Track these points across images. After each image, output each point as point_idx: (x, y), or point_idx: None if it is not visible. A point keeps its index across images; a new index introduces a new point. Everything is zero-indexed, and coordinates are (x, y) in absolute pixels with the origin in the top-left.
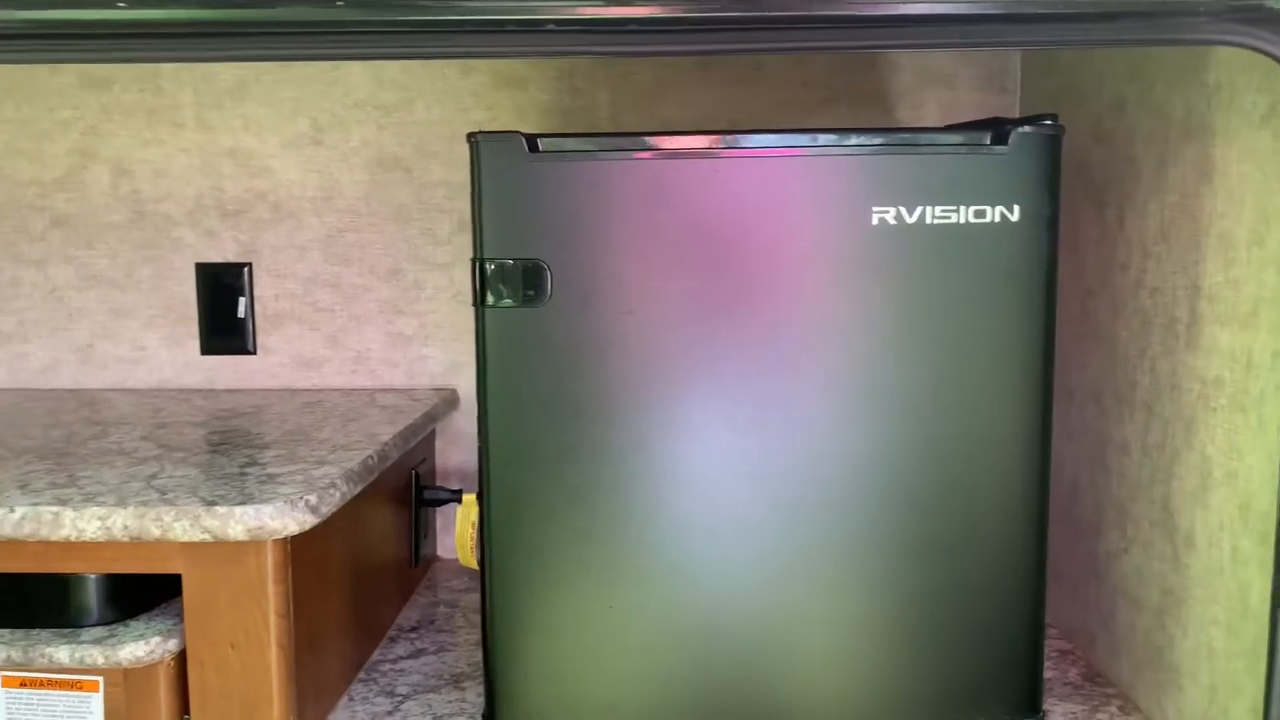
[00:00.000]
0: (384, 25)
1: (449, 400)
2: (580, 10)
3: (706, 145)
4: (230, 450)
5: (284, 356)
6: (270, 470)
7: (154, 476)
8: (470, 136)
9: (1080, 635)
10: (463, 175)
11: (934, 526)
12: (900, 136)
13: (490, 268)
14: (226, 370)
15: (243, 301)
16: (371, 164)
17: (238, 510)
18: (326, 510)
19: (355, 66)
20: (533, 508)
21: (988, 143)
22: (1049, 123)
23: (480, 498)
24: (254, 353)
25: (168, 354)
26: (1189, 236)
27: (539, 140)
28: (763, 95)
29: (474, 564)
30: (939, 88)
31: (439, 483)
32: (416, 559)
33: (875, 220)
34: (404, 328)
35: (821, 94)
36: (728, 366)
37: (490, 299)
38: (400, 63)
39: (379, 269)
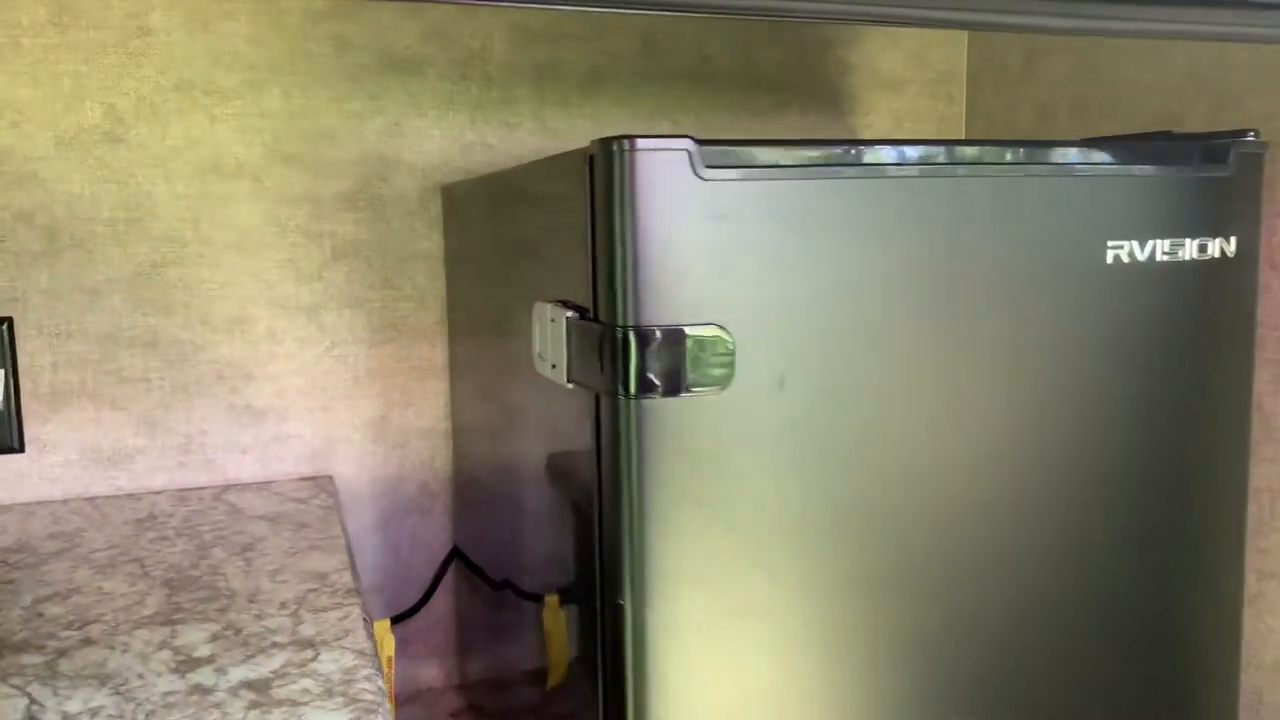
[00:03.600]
0: None
1: (330, 492)
2: None
3: (939, 159)
4: (114, 634)
5: (70, 451)
6: (238, 674)
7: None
8: (607, 144)
9: None
10: (338, 187)
11: (1151, 563)
12: (1122, 150)
13: (639, 341)
14: None
15: None
16: (203, 170)
17: None
18: None
19: (177, 30)
20: (700, 683)
21: (1199, 161)
22: (1252, 137)
23: (604, 669)
24: (19, 449)
25: None
26: None
27: (702, 149)
28: (710, 92)
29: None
30: (889, 93)
31: None
32: None
33: (1110, 258)
34: (254, 397)
35: (772, 96)
36: (956, 454)
37: (636, 386)
38: (245, 33)
39: (215, 318)
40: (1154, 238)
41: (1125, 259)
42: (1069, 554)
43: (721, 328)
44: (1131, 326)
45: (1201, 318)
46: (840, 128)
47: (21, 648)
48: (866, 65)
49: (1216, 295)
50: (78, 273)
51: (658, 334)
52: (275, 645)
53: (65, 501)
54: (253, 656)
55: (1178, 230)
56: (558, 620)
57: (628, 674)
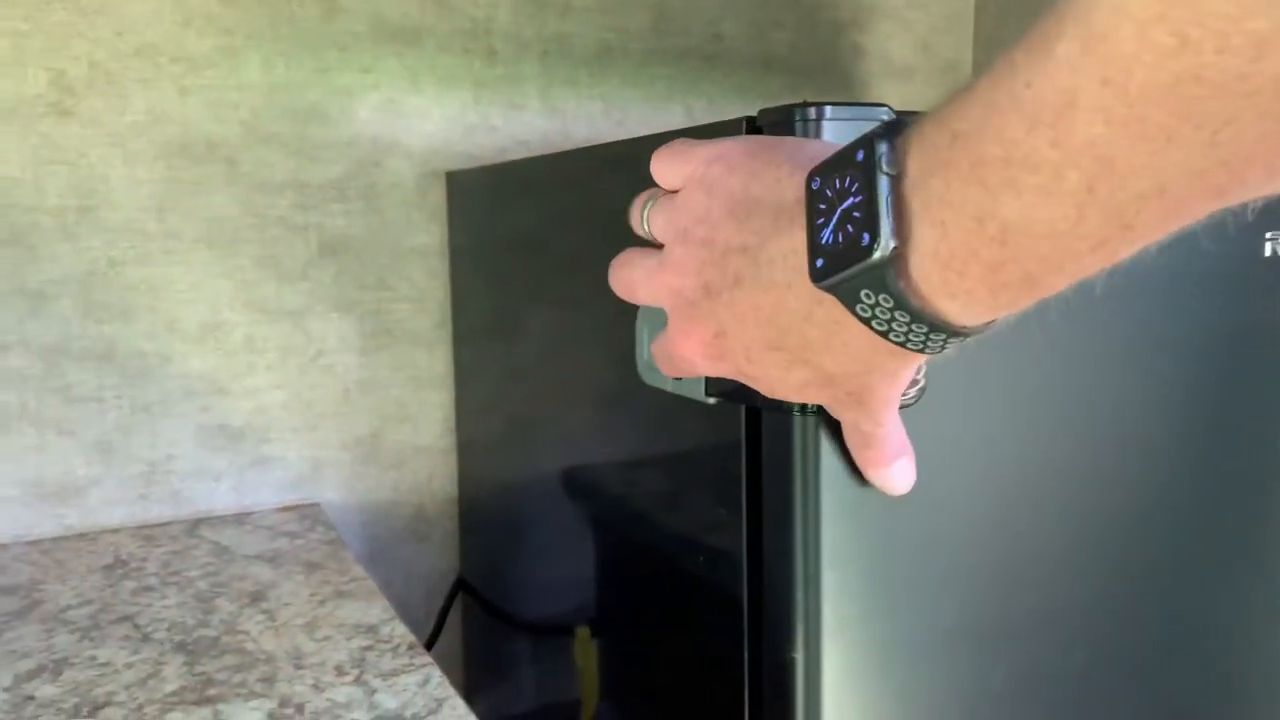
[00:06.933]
0: None
1: (327, 524)
2: None
3: None
4: None
5: (8, 486)
6: None
7: None
8: (786, 112)
9: None
10: (326, 173)
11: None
12: None
13: None
14: None
15: None
16: (169, 151)
17: None
18: None
19: None
20: None
21: None
22: None
23: None
24: None
25: None
26: None
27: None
28: (722, 74)
29: None
30: (898, 81)
31: None
32: None
33: (1268, 250)
34: (229, 416)
35: (785, 79)
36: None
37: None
38: None
39: (184, 324)
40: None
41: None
42: (1196, 566)
43: None
44: (1276, 321)
45: None
46: None
47: None
48: (878, 51)
49: None
50: (17, 272)
51: None
52: None
53: (4, 546)
54: None
55: None
56: (589, 653)
57: None
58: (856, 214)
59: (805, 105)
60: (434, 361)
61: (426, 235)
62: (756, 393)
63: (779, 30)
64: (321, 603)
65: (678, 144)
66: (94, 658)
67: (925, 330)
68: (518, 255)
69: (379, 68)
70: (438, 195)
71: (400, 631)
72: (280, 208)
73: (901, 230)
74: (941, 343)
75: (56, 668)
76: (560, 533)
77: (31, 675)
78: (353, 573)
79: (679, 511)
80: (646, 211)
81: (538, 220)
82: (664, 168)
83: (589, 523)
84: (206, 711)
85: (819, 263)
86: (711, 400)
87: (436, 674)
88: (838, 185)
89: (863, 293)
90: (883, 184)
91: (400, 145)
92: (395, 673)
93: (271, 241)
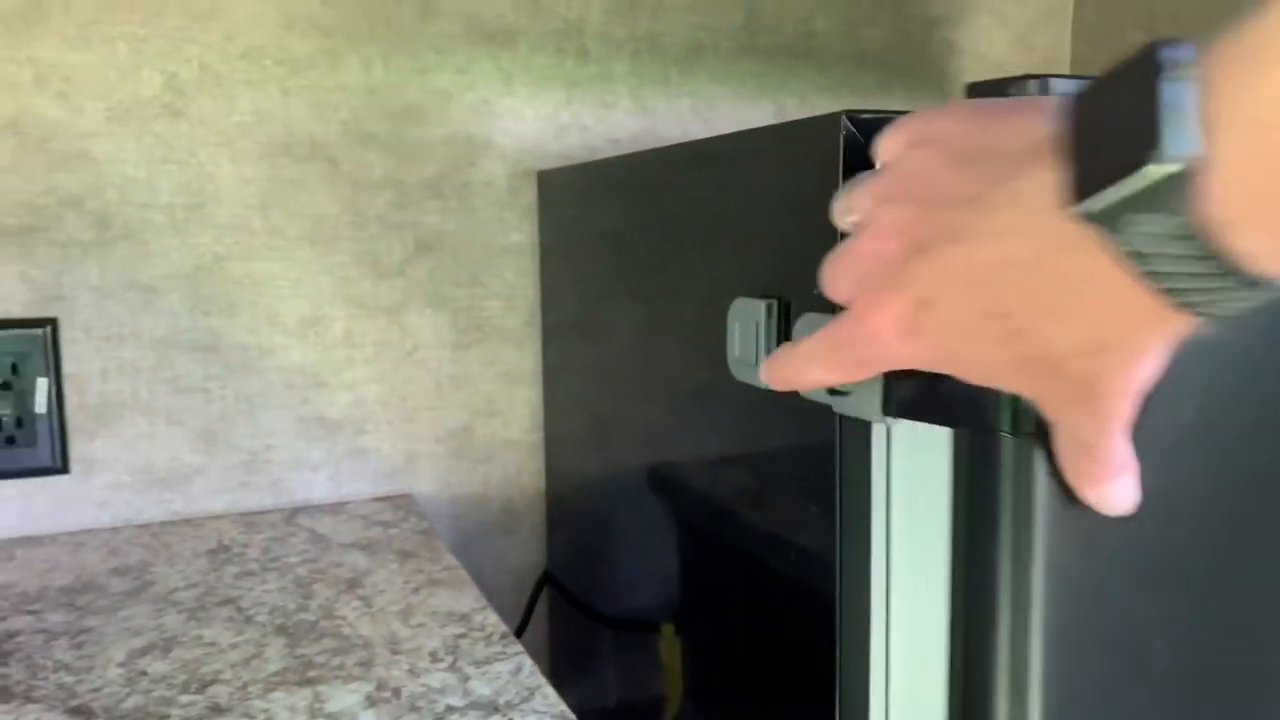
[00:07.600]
0: None
1: (420, 514)
2: None
3: None
4: (245, 698)
5: (121, 472)
6: None
7: None
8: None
9: None
10: (422, 172)
11: None
12: None
13: None
14: (11, 508)
15: (41, 385)
16: (273, 150)
17: None
18: None
19: None
20: None
21: None
22: None
23: None
24: (63, 470)
25: None
26: None
27: None
28: (814, 71)
29: None
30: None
31: None
32: None
33: None
34: (327, 408)
35: (877, 76)
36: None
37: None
38: None
39: (285, 318)
40: None
41: None
42: None
43: None
44: None
45: None
46: None
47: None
48: (972, 48)
49: None
50: (131, 267)
51: None
52: (452, 710)
53: (116, 529)
54: None
55: None
56: (674, 651)
57: None
58: (1130, 124)
59: (1026, 78)
60: (523, 358)
61: (518, 234)
62: (953, 408)
63: (871, 27)
64: (415, 590)
65: (898, 120)
66: (200, 637)
67: (1217, 273)
68: (606, 253)
69: (474, 68)
70: (529, 194)
71: (492, 620)
72: (378, 206)
73: (1190, 141)
74: (1229, 293)
75: (166, 646)
76: (646, 529)
77: (144, 652)
78: (445, 562)
79: (767, 509)
80: (845, 196)
81: (625, 218)
82: (883, 140)
83: (674, 520)
84: (307, 692)
85: (1079, 182)
86: (889, 419)
87: (528, 663)
88: (1108, 100)
89: (1133, 219)
90: (1168, 88)
91: (494, 145)
92: (488, 660)
93: (369, 239)
